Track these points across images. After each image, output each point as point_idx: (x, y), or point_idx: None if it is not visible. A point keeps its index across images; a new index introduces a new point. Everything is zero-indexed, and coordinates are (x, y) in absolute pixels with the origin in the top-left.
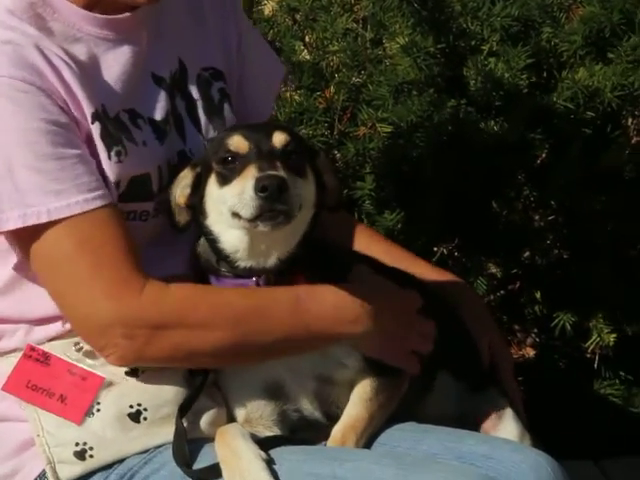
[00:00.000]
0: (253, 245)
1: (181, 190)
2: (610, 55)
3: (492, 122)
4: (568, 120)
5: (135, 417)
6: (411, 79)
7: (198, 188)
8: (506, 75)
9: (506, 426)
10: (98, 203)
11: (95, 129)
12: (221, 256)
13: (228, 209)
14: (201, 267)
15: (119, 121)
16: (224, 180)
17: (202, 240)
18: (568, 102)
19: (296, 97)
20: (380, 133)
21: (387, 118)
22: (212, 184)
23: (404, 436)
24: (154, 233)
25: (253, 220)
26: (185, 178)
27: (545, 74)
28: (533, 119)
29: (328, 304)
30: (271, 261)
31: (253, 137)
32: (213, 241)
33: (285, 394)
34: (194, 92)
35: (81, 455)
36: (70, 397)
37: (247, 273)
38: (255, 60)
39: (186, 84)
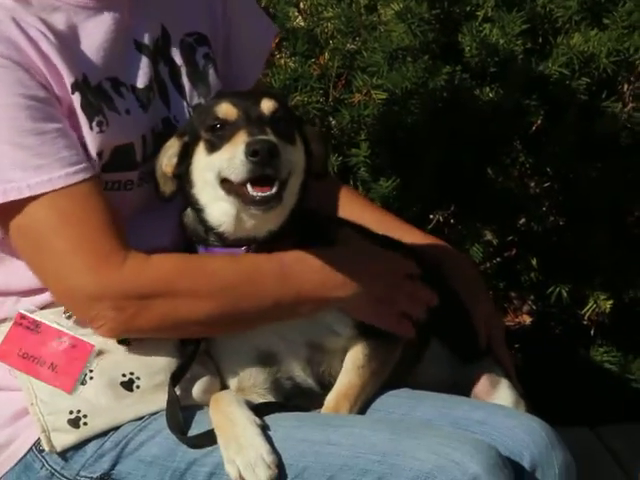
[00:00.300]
0: (240, 219)
1: (168, 159)
2: (605, 20)
3: (487, 88)
4: (563, 86)
5: (128, 386)
6: (406, 45)
7: (185, 157)
8: (501, 41)
9: (501, 394)
10: (79, 177)
11: (76, 99)
12: (207, 227)
13: (216, 175)
14: (189, 237)
15: (101, 90)
16: (212, 147)
17: (189, 210)
18: (563, 68)
19: (290, 64)
20: (375, 100)
21: (382, 85)
22: (200, 152)
23: (399, 402)
24: (140, 202)
25: (243, 184)
26: (172, 147)
27: (540, 40)
28: (528, 85)
29: (313, 269)
30: (260, 233)
31: (241, 104)
32: (200, 211)
33: (277, 361)
34: (177, 58)
35: (75, 423)
36: (60, 365)
37: (236, 243)
38: (242, 23)
39: (169, 50)
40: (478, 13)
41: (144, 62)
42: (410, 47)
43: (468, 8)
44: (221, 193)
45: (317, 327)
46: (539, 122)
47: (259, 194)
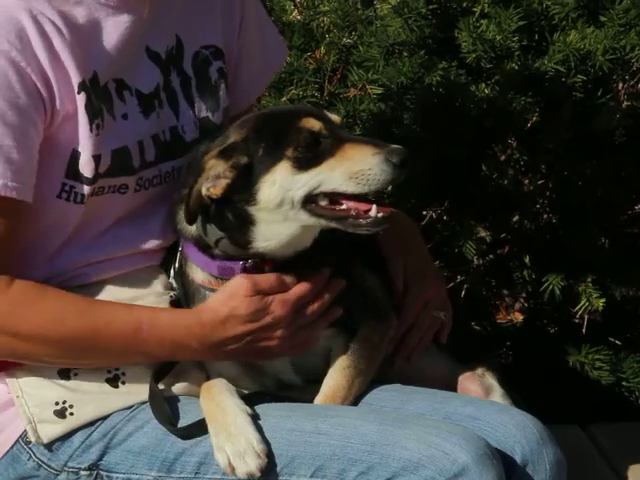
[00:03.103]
0: (292, 238)
1: (212, 182)
2: (602, 18)
3: (483, 85)
4: (559, 83)
5: (113, 382)
6: (402, 40)
7: (246, 178)
8: (497, 37)
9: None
10: (6, 192)
11: (80, 100)
12: (241, 243)
13: (303, 195)
14: (187, 241)
15: (106, 91)
16: (305, 164)
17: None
18: (559, 65)
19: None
20: (370, 95)
21: (377, 79)
22: (282, 171)
23: (390, 397)
24: (130, 206)
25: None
26: (214, 169)
27: (537, 37)
28: (524, 82)
29: (167, 338)
30: (289, 252)
31: (323, 118)
32: (243, 228)
33: (264, 369)
34: (189, 70)
35: (61, 414)
36: None
37: (244, 257)
38: (256, 40)
39: (182, 61)
40: (475, 9)
41: (153, 69)
42: (406, 42)
43: (465, 4)
44: (297, 213)
45: None
46: (534, 119)
47: (380, 215)
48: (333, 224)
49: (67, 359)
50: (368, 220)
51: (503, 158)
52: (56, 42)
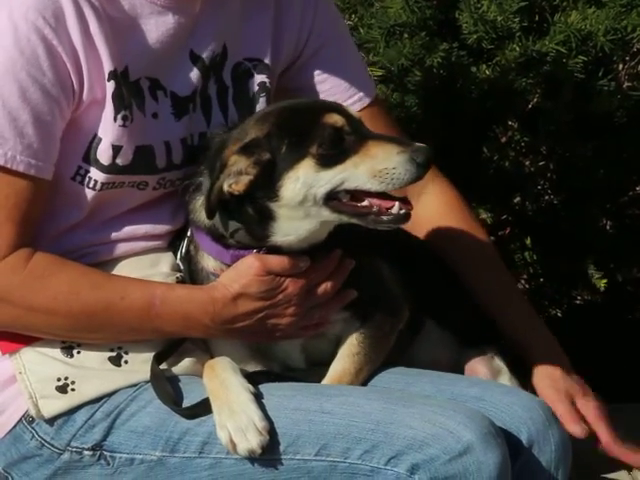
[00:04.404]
0: (311, 234)
1: (235, 178)
2: None
3: (484, 66)
4: (560, 65)
5: (116, 361)
6: (403, 22)
7: (269, 174)
8: (499, 18)
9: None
10: (30, 170)
11: (109, 87)
12: (256, 234)
13: (326, 192)
14: (199, 229)
15: (137, 87)
16: (328, 162)
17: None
18: (560, 46)
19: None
20: (371, 76)
21: (378, 61)
22: (306, 168)
23: (395, 379)
24: (145, 201)
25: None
26: (236, 165)
27: (537, 18)
28: (525, 63)
29: (180, 314)
30: (304, 246)
31: (344, 113)
32: (262, 221)
33: (272, 352)
34: (227, 79)
35: (63, 389)
36: None
37: (259, 246)
38: (325, 79)
39: (222, 69)
40: None
41: (194, 73)
42: (407, 23)
43: None
44: (319, 210)
45: None
46: (535, 100)
47: (403, 211)
48: (354, 220)
49: (80, 332)
50: (390, 217)
51: (504, 140)
52: (92, 27)
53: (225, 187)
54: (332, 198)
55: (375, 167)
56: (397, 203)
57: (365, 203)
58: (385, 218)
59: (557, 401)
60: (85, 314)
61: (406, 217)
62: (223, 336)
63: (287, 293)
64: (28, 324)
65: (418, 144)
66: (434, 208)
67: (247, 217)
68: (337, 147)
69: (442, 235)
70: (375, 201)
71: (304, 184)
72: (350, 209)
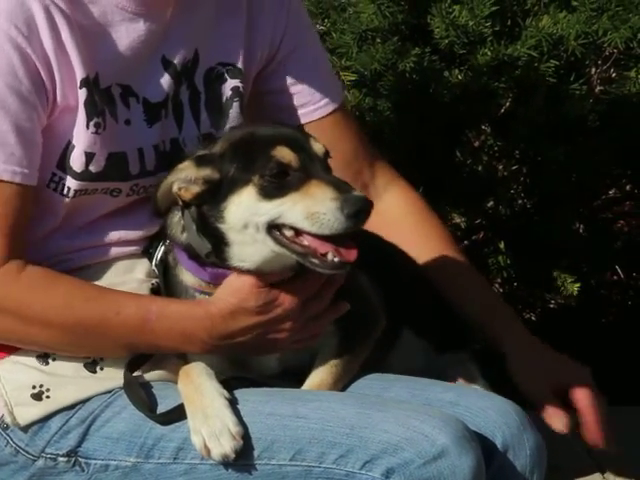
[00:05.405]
0: (266, 262)
1: (184, 184)
2: (574, 3)
3: (456, 71)
4: (532, 69)
5: (91, 367)
6: (375, 27)
7: (214, 193)
8: (470, 23)
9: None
10: (15, 178)
11: (82, 94)
12: (223, 257)
13: (268, 222)
14: (178, 246)
15: (109, 94)
16: (270, 194)
17: (193, 228)
18: (532, 50)
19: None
20: (344, 81)
21: (351, 66)
22: (249, 196)
23: (371, 384)
24: (118, 207)
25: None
26: (185, 172)
27: (509, 22)
28: (497, 68)
29: (175, 329)
30: (275, 269)
31: (299, 148)
32: (221, 245)
33: (248, 362)
34: (199, 84)
35: (38, 397)
36: None
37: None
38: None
39: (194, 74)
40: None
41: (166, 79)
42: (379, 28)
43: None
44: (264, 238)
45: None
46: (507, 105)
47: (337, 259)
48: (295, 257)
49: (73, 346)
50: (325, 263)
51: (477, 144)
52: (64, 34)
53: (175, 188)
54: (275, 228)
55: (309, 208)
56: (330, 252)
57: (305, 242)
58: (320, 263)
59: (537, 394)
60: (79, 327)
61: (342, 265)
62: (219, 351)
63: (285, 307)
64: (23, 336)
65: (356, 194)
66: (395, 208)
67: (210, 239)
68: (279, 181)
69: (405, 235)
70: (313, 242)
71: (245, 210)
72: (291, 245)
